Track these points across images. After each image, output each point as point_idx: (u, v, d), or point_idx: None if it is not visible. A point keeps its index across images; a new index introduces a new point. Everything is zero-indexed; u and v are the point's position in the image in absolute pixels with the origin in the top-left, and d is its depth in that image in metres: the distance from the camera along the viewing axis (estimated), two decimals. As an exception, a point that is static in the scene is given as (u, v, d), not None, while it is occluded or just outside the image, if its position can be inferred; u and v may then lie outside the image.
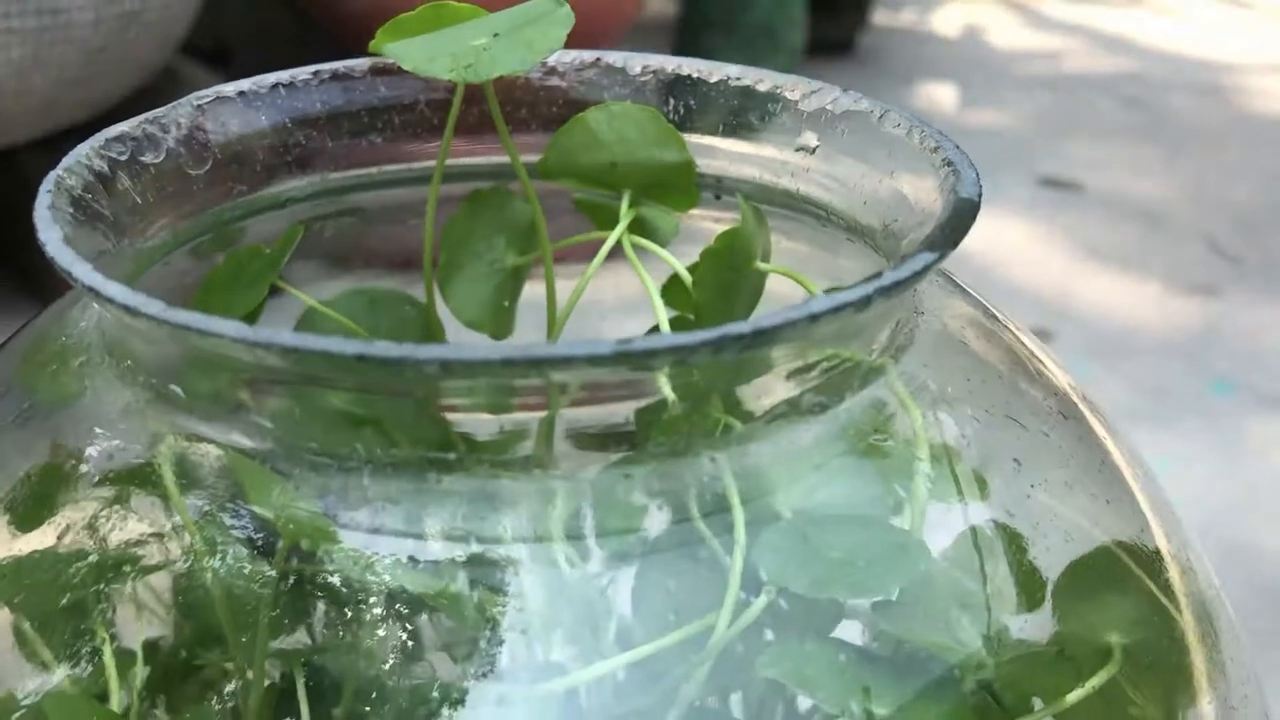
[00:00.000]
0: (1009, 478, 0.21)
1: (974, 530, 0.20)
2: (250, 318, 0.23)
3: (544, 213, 0.25)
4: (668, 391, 0.17)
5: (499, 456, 0.16)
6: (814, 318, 0.14)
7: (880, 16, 1.30)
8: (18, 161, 0.66)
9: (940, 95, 1.17)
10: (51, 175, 0.18)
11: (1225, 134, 1.09)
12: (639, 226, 0.25)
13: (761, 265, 0.23)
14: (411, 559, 0.16)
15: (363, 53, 0.23)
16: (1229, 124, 1.11)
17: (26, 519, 0.22)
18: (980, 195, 0.17)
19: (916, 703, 0.17)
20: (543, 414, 0.16)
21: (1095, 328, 0.76)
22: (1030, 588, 0.21)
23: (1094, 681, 0.19)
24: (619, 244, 0.24)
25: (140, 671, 0.20)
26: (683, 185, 0.24)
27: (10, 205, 0.71)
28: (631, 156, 0.24)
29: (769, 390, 0.18)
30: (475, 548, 0.17)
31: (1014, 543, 0.22)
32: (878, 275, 0.15)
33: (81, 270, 0.15)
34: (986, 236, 0.88)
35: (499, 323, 0.25)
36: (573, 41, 0.22)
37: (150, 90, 0.69)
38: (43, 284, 0.66)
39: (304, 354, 0.13)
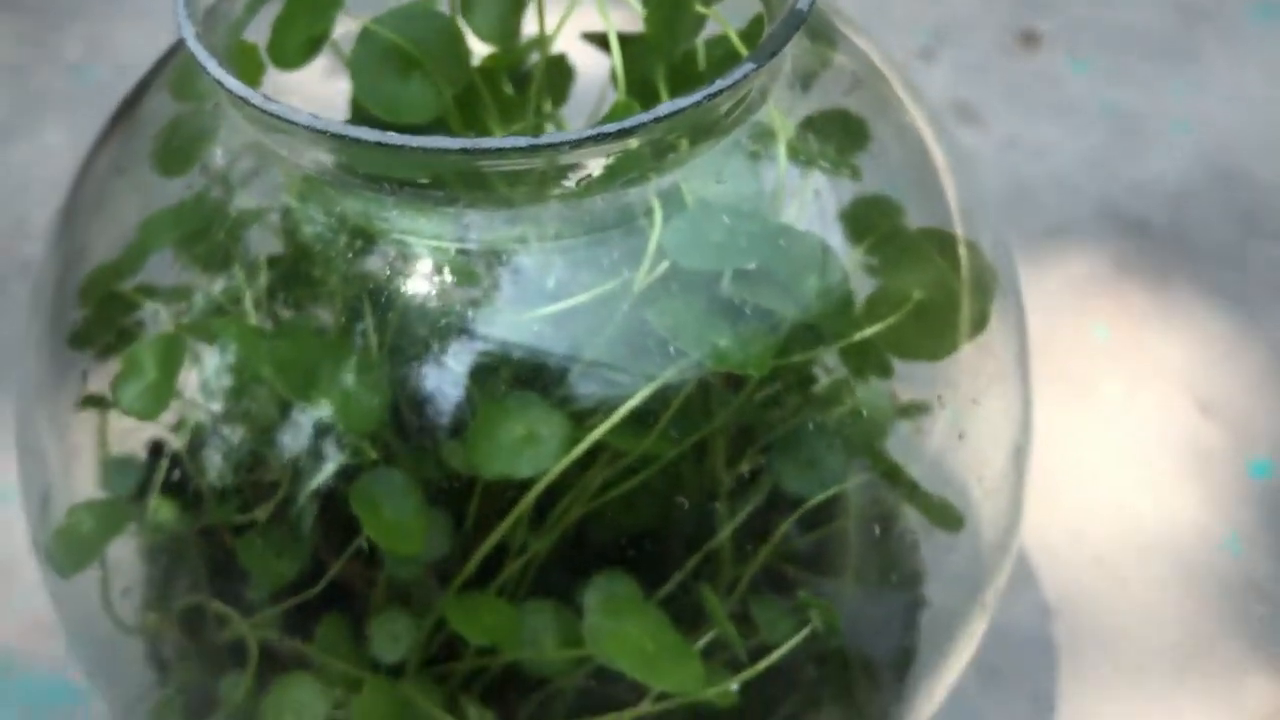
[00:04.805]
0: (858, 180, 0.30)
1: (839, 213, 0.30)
2: (324, 34, 0.33)
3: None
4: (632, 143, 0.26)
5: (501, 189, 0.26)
6: (658, 119, 0.24)
7: None
8: None
9: None
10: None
11: None
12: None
13: (699, 8, 0.32)
14: (439, 249, 0.27)
15: None
16: None
17: (171, 169, 0.32)
18: (810, 9, 0.26)
19: (746, 338, 0.27)
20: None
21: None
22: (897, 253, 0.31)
23: (892, 318, 0.30)
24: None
25: (264, 277, 0.32)
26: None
27: None
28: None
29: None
30: (482, 239, 0.27)
31: (887, 210, 0.31)
32: (711, 83, 0.24)
33: (211, 65, 0.25)
34: None
35: (506, 36, 0.34)
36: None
37: None
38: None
39: (345, 138, 0.23)
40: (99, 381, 0.33)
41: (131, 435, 0.34)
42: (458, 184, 0.26)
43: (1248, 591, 0.47)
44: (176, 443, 0.32)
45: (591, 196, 0.26)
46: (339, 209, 0.27)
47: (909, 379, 0.31)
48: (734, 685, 0.27)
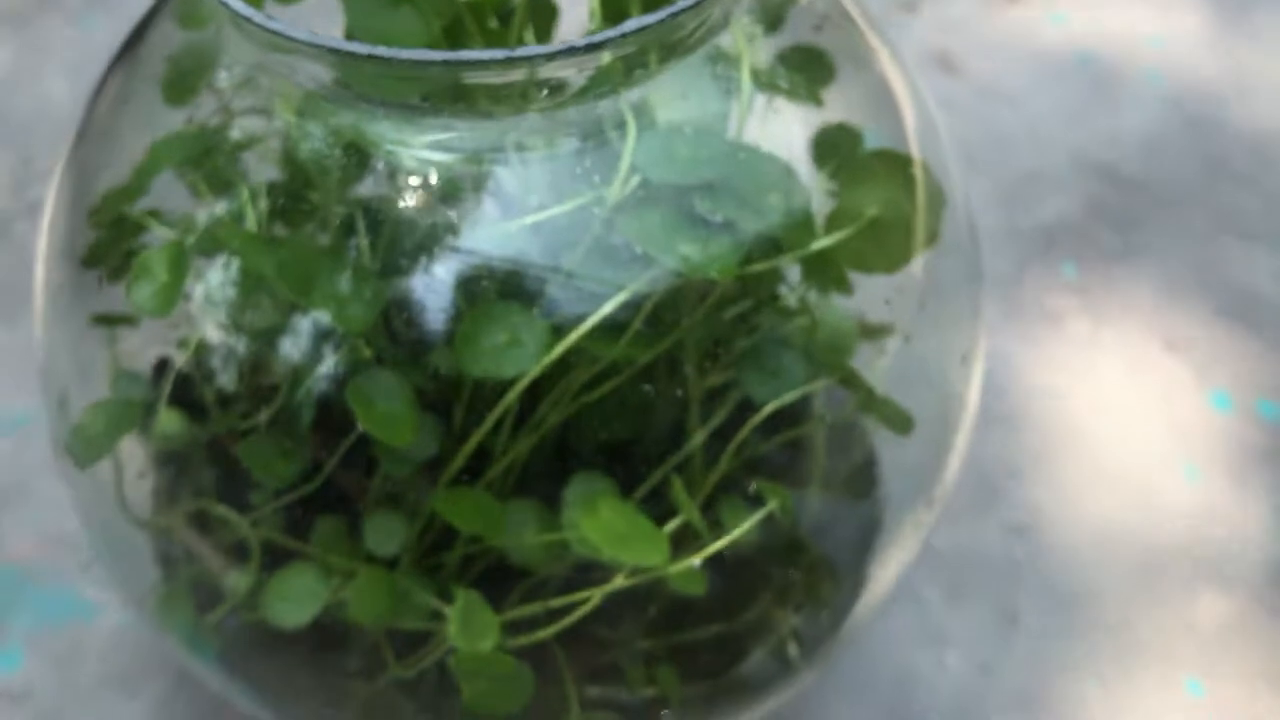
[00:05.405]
0: (819, 106, 0.33)
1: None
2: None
3: None
4: (605, 57, 0.29)
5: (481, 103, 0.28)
6: (625, 35, 0.26)
7: None
8: None
9: None
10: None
11: None
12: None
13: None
14: (426, 161, 0.29)
15: None
16: None
17: (176, 98, 0.35)
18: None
19: (713, 247, 0.30)
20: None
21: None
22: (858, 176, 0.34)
23: (847, 231, 0.32)
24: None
25: (264, 202, 0.34)
26: None
27: None
28: None
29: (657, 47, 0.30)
30: (465, 147, 0.30)
31: (848, 137, 0.34)
32: (672, 4, 0.27)
33: (216, -12, 0.27)
34: None
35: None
36: None
37: None
38: None
39: (340, 53, 0.26)
40: (110, 301, 0.36)
41: (139, 356, 0.37)
42: (444, 99, 0.28)
43: (1203, 515, 0.50)
44: (181, 357, 0.35)
45: (567, 109, 0.29)
46: (334, 121, 0.29)
47: (866, 288, 0.33)
48: (696, 562, 0.30)
